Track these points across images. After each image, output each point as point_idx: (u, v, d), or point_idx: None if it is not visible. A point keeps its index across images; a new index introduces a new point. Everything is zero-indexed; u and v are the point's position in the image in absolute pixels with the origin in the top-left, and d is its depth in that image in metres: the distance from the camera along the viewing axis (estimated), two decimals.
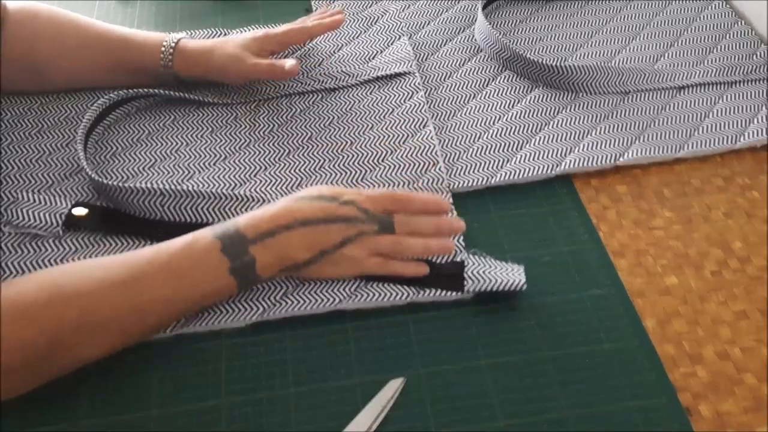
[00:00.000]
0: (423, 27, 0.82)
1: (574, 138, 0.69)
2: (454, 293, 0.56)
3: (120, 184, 0.59)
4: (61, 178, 0.64)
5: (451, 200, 0.62)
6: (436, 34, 0.81)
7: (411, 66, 0.75)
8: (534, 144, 0.68)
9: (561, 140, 0.69)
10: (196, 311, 0.53)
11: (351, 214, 0.54)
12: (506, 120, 0.71)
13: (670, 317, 0.56)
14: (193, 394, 0.51)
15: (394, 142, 0.67)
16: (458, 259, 0.58)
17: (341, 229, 0.53)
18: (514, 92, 0.74)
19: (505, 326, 0.55)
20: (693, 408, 0.50)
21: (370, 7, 0.85)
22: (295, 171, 0.65)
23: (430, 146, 0.66)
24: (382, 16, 0.82)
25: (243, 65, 0.68)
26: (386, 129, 0.69)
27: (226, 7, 0.86)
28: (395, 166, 0.65)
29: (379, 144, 0.67)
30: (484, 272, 0.56)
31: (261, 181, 0.64)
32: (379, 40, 0.79)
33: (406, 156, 0.66)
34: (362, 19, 0.82)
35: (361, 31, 0.80)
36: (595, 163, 0.66)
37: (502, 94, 0.74)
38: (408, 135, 0.68)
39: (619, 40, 0.80)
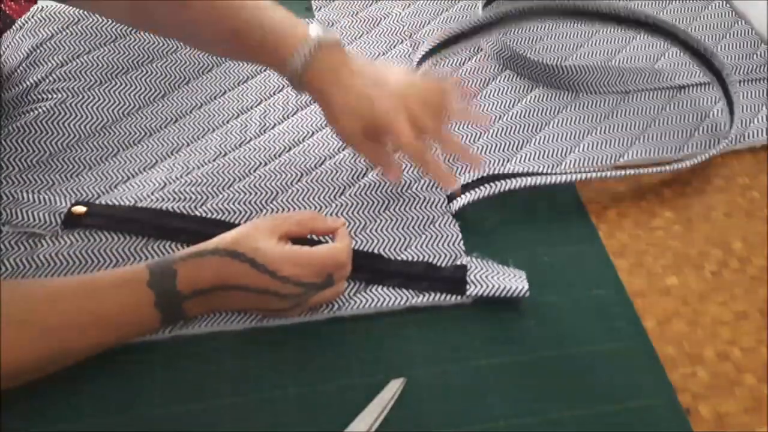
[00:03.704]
0: (423, 26, 0.82)
1: (574, 138, 0.69)
2: (452, 298, 0.56)
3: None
4: (62, 179, 0.64)
5: (446, 203, 0.62)
6: (436, 34, 0.81)
7: None
8: (534, 144, 0.68)
9: (561, 140, 0.69)
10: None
11: (287, 291, 0.51)
12: (506, 120, 0.71)
13: (670, 318, 0.56)
14: (193, 394, 0.51)
15: None
16: (460, 263, 0.58)
17: (276, 301, 0.52)
18: (515, 92, 0.74)
19: (505, 326, 0.55)
20: (693, 408, 0.50)
21: (369, 6, 0.85)
22: (294, 167, 0.65)
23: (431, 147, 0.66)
24: (385, 18, 0.82)
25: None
26: None
27: None
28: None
29: None
30: (486, 277, 0.56)
31: (260, 177, 0.64)
32: (382, 42, 0.79)
33: (406, 156, 0.66)
34: (365, 21, 0.82)
35: (363, 32, 0.80)
36: (595, 163, 0.66)
37: (502, 94, 0.74)
38: None
39: (619, 39, 0.80)
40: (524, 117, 0.71)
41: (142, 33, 0.74)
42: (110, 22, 0.73)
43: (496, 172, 0.65)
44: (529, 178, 0.62)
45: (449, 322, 0.55)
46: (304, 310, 0.54)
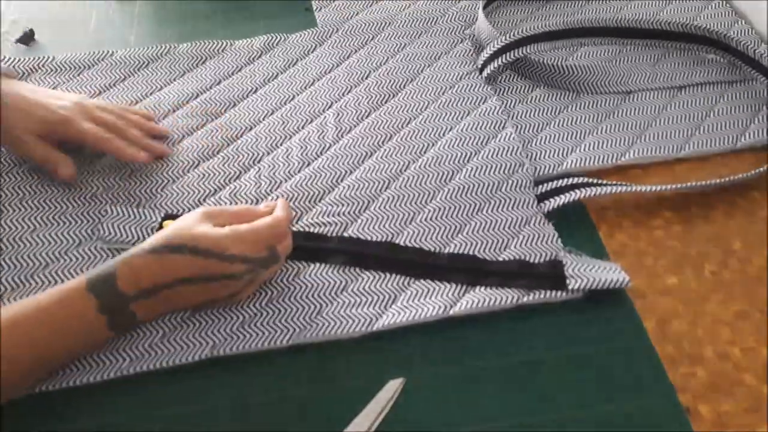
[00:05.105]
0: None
1: (575, 138, 0.69)
2: (562, 294, 0.55)
3: None
4: (148, 195, 0.63)
5: (536, 203, 0.62)
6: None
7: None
8: (535, 144, 0.68)
9: (562, 140, 0.69)
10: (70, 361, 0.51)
11: (236, 270, 0.51)
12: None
13: (670, 317, 0.56)
14: (193, 395, 0.51)
15: (475, 144, 0.67)
16: (555, 259, 0.57)
17: (226, 285, 0.52)
18: (515, 92, 0.74)
19: (505, 327, 0.55)
20: (693, 408, 0.50)
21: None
22: (380, 173, 0.65)
23: (513, 147, 0.66)
24: (442, 16, 0.82)
25: None
26: (465, 131, 0.68)
27: (226, 6, 0.86)
28: (480, 167, 0.65)
29: (461, 145, 0.67)
30: (584, 270, 0.56)
31: (347, 187, 0.64)
32: (442, 41, 0.79)
33: (490, 157, 0.66)
34: (421, 20, 0.82)
35: (422, 32, 0.80)
36: (596, 163, 0.66)
37: (502, 94, 0.74)
38: (489, 137, 0.68)
39: (620, 40, 0.80)
40: (525, 117, 0.71)
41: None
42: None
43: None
44: (617, 187, 0.62)
45: (449, 322, 0.55)
46: (255, 288, 0.54)
